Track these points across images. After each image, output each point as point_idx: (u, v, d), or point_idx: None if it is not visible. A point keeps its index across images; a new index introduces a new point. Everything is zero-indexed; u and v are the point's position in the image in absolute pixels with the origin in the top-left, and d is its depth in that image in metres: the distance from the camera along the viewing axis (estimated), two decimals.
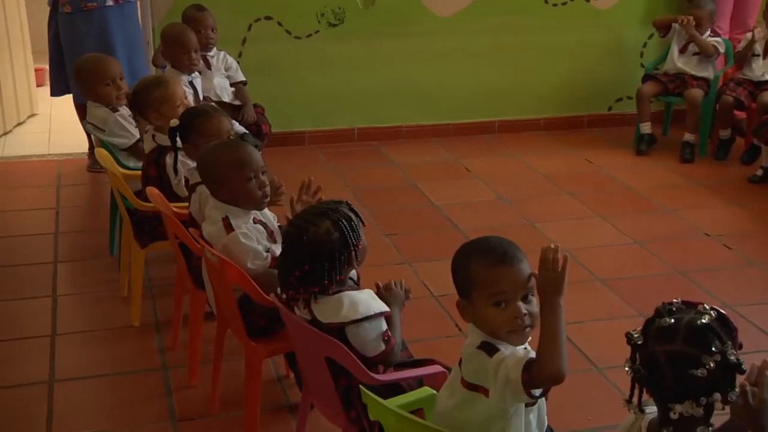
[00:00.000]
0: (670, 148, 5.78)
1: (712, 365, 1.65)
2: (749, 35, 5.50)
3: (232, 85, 4.95)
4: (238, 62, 5.07)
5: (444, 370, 2.31)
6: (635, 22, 6.17)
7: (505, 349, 1.90)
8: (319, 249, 2.21)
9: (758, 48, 5.43)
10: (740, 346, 1.72)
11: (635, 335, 1.75)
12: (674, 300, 1.79)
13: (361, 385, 2.01)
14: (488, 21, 5.95)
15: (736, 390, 1.68)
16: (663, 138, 6.05)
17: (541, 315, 1.86)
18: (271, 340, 2.65)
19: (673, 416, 1.69)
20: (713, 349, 1.66)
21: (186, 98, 3.53)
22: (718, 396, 1.67)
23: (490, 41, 6.03)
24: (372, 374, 2.16)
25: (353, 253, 2.23)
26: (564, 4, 6.03)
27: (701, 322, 1.69)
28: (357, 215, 2.29)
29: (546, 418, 2.07)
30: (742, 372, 1.69)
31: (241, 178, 2.67)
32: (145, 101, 3.48)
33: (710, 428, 1.72)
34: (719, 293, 3.88)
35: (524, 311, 1.89)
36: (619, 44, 6.21)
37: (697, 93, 5.55)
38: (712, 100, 5.55)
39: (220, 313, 2.88)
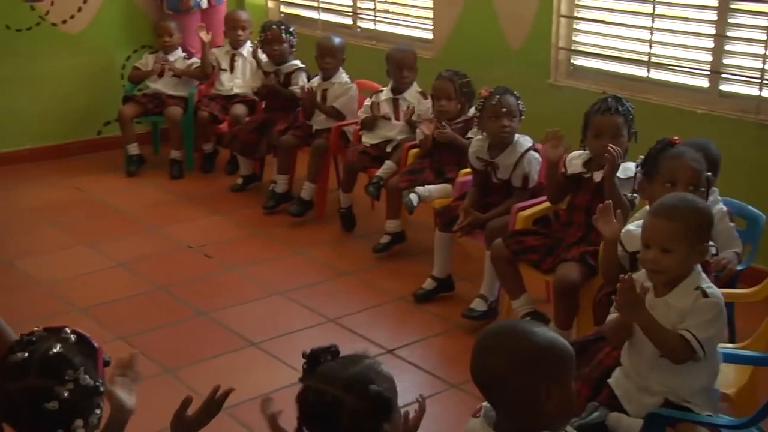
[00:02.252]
0: (162, 167, 5.84)
1: (66, 394, 1.62)
2: (216, 50, 5.78)
3: None
4: None
5: None
6: (111, 44, 6.14)
7: None
8: None
9: (224, 63, 5.73)
10: (107, 363, 1.73)
11: None
12: (35, 329, 1.74)
13: None
14: None
15: (97, 412, 1.68)
16: (156, 157, 6.11)
17: None
18: None
19: None
20: (66, 377, 1.63)
21: None
22: (80, 422, 1.66)
23: None
24: None
25: None
26: (29, 29, 5.79)
27: (53, 351, 1.66)
28: None
29: None
30: (100, 394, 1.70)
31: None
32: None
33: None
34: (197, 302, 4.01)
35: None
36: (99, 67, 6.14)
37: (175, 111, 5.69)
38: (191, 117, 5.73)
39: None
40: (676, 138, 2.94)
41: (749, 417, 2.28)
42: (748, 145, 4.04)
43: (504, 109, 3.79)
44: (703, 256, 2.44)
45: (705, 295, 2.37)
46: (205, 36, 5.64)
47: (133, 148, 5.77)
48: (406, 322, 3.92)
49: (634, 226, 2.92)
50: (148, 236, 4.83)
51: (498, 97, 3.82)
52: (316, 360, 1.82)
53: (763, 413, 2.26)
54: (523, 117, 3.89)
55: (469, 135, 4.23)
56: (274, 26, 5.29)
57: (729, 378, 2.72)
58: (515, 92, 3.88)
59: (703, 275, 2.44)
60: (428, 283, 4.07)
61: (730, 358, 2.61)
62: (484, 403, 1.89)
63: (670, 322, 2.37)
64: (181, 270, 4.39)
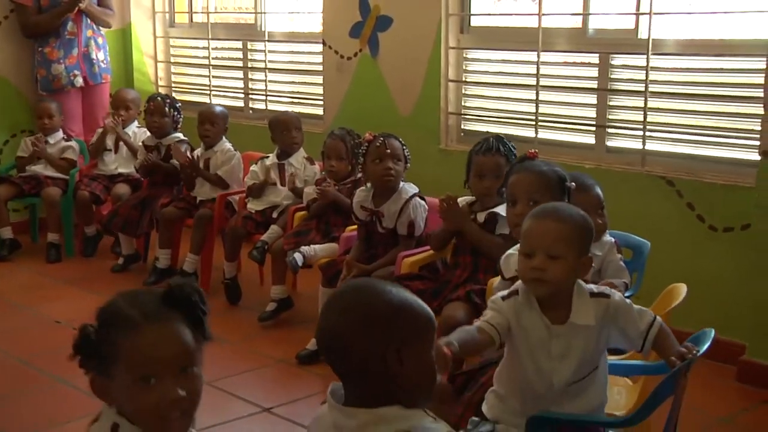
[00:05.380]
0: (39, 253, 5.45)
1: None
2: (100, 130, 5.56)
3: None
4: None
5: None
6: None
7: None
8: None
9: (109, 143, 5.49)
10: None
11: None
12: None
13: None
14: None
15: None
16: (34, 245, 5.73)
17: None
18: None
19: None
20: None
21: None
22: None
23: None
24: None
25: None
26: None
27: None
28: None
29: None
30: None
31: None
32: None
33: None
34: (57, 372, 3.64)
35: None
36: None
37: (53, 191, 5.38)
38: (70, 198, 5.42)
39: None
40: (533, 151, 2.84)
41: (633, 413, 2.09)
42: (634, 196, 3.98)
43: (388, 151, 3.66)
44: (587, 270, 2.20)
45: (606, 295, 2.16)
46: (110, 121, 5.42)
47: (6, 232, 5.41)
48: (287, 382, 3.62)
49: (513, 250, 2.78)
50: (12, 313, 4.46)
51: (382, 139, 3.70)
52: None
53: (647, 409, 2.07)
54: (408, 164, 3.77)
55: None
56: (158, 98, 5.13)
57: (620, 402, 2.53)
58: (400, 138, 3.77)
59: (584, 285, 2.23)
60: (312, 344, 3.79)
61: (622, 369, 2.44)
62: (330, 388, 1.66)
63: (579, 346, 2.13)
64: (43, 343, 4.01)
